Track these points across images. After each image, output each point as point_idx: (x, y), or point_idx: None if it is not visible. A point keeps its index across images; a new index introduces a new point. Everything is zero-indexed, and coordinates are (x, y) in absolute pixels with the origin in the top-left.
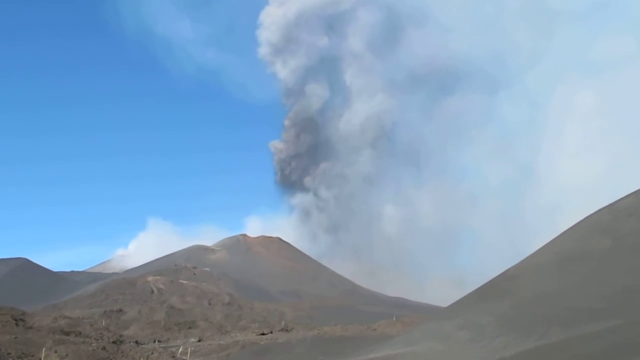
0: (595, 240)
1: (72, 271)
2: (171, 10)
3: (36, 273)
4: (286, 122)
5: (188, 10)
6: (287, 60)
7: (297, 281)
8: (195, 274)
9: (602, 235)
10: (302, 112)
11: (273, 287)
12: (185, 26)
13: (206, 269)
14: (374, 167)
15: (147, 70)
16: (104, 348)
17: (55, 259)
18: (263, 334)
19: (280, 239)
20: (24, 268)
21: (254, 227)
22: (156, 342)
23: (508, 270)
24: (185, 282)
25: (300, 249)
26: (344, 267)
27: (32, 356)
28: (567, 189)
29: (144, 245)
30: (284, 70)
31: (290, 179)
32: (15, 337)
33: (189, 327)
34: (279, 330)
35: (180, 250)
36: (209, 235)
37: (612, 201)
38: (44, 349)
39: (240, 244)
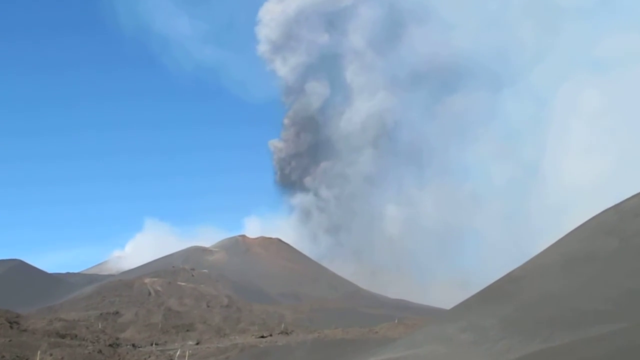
0: (601, 241)
1: (68, 273)
2: (168, 7)
3: (31, 274)
4: (286, 121)
5: (186, 7)
6: (287, 58)
7: (297, 283)
8: (193, 275)
9: (608, 236)
10: (302, 111)
11: (272, 289)
12: (182, 23)
13: (204, 270)
14: (376, 166)
15: (144, 67)
16: (100, 351)
17: (51, 260)
18: (262, 336)
19: (279, 240)
20: (19, 269)
21: (253, 228)
22: (153, 345)
23: (512, 271)
24: (183, 283)
25: (300, 250)
26: (344, 269)
27: (27, 359)
28: (573, 188)
29: (141, 247)
30: (284, 68)
31: (290, 179)
32: (10, 340)
33: (187, 330)
34: (279, 333)
35: (178, 252)
36: (207, 236)
37: (618, 201)
38: (39, 352)
39: (239, 245)
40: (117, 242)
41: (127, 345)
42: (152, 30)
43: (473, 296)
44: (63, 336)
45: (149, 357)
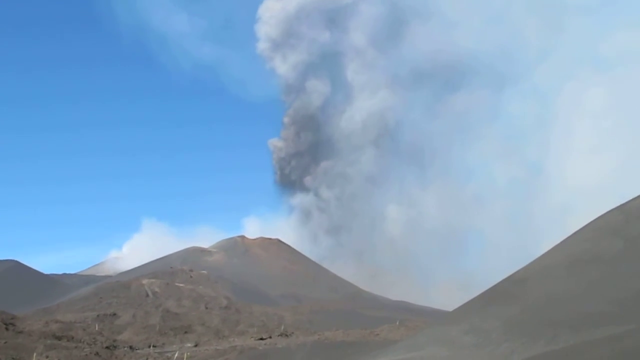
0: (606, 242)
1: (64, 274)
2: (166, 4)
3: (27, 275)
4: (286, 120)
5: (184, 4)
6: (287, 56)
7: (297, 284)
8: (191, 276)
9: (613, 237)
10: (302, 109)
11: (272, 291)
12: (181, 20)
13: (203, 271)
14: (377, 166)
15: (141, 65)
16: (97, 353)
17: (47, 261)
18: (262, 338)
19: (279, 241)
20: (14, 270)
21: (253, 229)
22: (151, 347)
23: (516, 273)
24: (181, 285)
25: (301, 251)
26: (345, 270)
27: None
28: (577, 189)
29: (139, 247)
30: (284, 66)
31: (290, 179)
32: (5, 342)
33: (185, 332)
34: (278, 335)
35: (176, 252)
36: (206, 237)
37: (623, 202)
38: (34, 354)
39: (238, 246)
40: (114, 242)
41: (124, 347)
42: (149, 28)
43: (476, 298)
44: (59, 338)
45: (147, 359)
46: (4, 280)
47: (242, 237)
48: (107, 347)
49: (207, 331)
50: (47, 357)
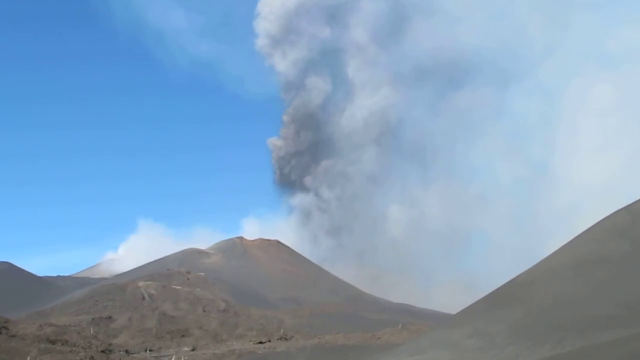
0: (613, 243)
1: (59, 276)
2: None
3: (20, 278)
4: (285, 118)
5: None
6: (287, 52)
7: (296, 287)
8: (188, 279)
9: (620, 237)
10: (302, 107)
11: (271, 293)
12: (178, 16)
13: (200, 273)
14: (378, 165)
15: (138, 62)
16: (92, 358)
17: (41, 263)
18: (261, 342)
19: (279, 242)
20: (7, 273)
21: (251, 230)
22: (147, 351)
23: (520, 275)
24: (178, 287)
25: (300, 253)
26: (346, 272)
27: None
28: (583, 188)
29: (135, 249)
30: (283, 63)
31: (290, 178)
32: None
33: (182, 335)
34: (278, 339)
35: (173, 254)
36: (204, 238)
37: (630, 202)
38: (28, 358)
39: (236, 247)
40: (110, 244)
41: (120, 351)
42: (146, 24)
43: (479, 300)
44: (53, 342)
45: None
46: None
47: (241, 238)
48: (102, 351)
49: (204, 335)
50: None
